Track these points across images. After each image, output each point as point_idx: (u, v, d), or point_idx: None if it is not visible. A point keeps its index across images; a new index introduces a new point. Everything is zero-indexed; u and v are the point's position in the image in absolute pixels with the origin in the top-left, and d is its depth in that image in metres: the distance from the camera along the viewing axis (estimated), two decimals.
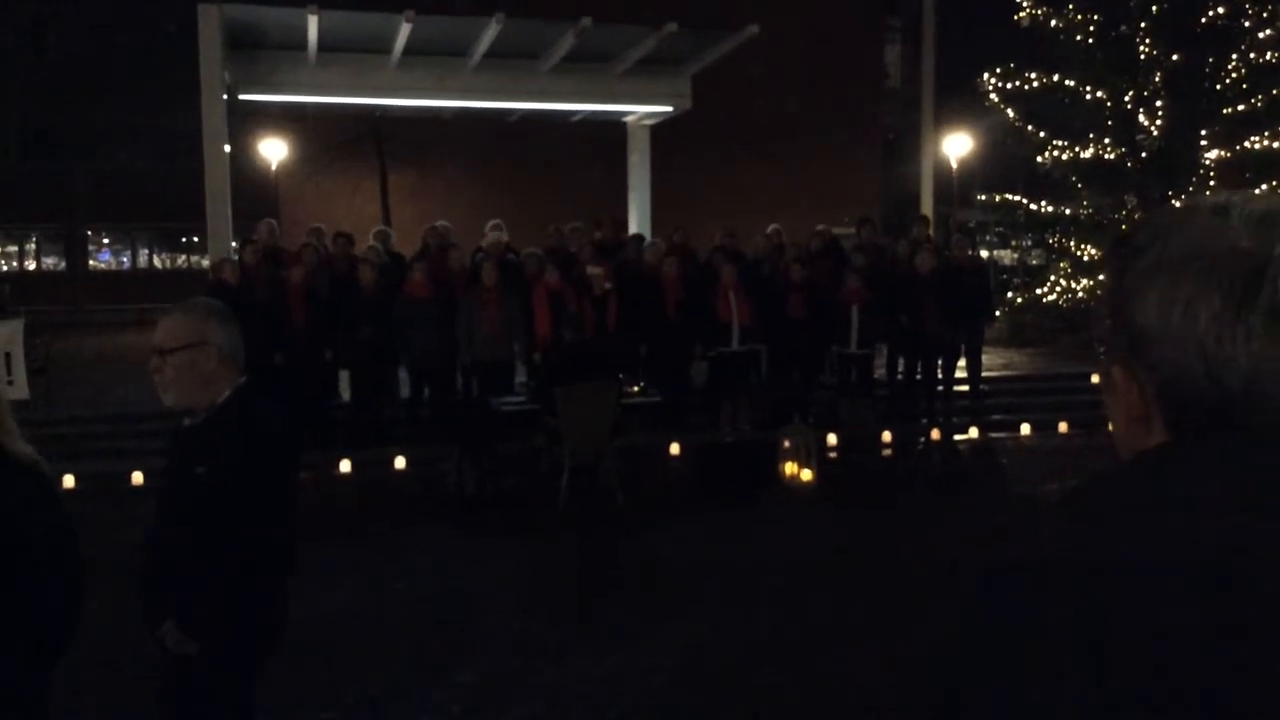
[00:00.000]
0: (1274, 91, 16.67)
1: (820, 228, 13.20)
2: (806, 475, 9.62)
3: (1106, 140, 17.59)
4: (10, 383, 11.19)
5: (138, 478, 9.63)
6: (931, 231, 14.32)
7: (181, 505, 2.94)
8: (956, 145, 22.41)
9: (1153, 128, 17.33)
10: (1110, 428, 1.06)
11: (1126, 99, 17.37)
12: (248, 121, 23.26)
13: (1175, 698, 0.84)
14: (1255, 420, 0.93)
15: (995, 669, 0.92)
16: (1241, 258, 0.93)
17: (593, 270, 11.11)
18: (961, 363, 11.85)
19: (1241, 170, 17.01)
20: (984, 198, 19.97)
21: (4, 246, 33.64)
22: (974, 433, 11.65)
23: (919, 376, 11.73)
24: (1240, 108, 16.94)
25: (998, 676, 0.91)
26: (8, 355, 11.31)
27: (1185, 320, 0.94)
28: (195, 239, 31.79)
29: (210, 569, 2.79)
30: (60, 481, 8.87)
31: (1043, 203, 18.72)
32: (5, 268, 32.57)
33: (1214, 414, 0.95)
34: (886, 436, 11.45)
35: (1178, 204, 1.20)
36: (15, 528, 2.38)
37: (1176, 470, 0.95)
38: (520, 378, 11.27)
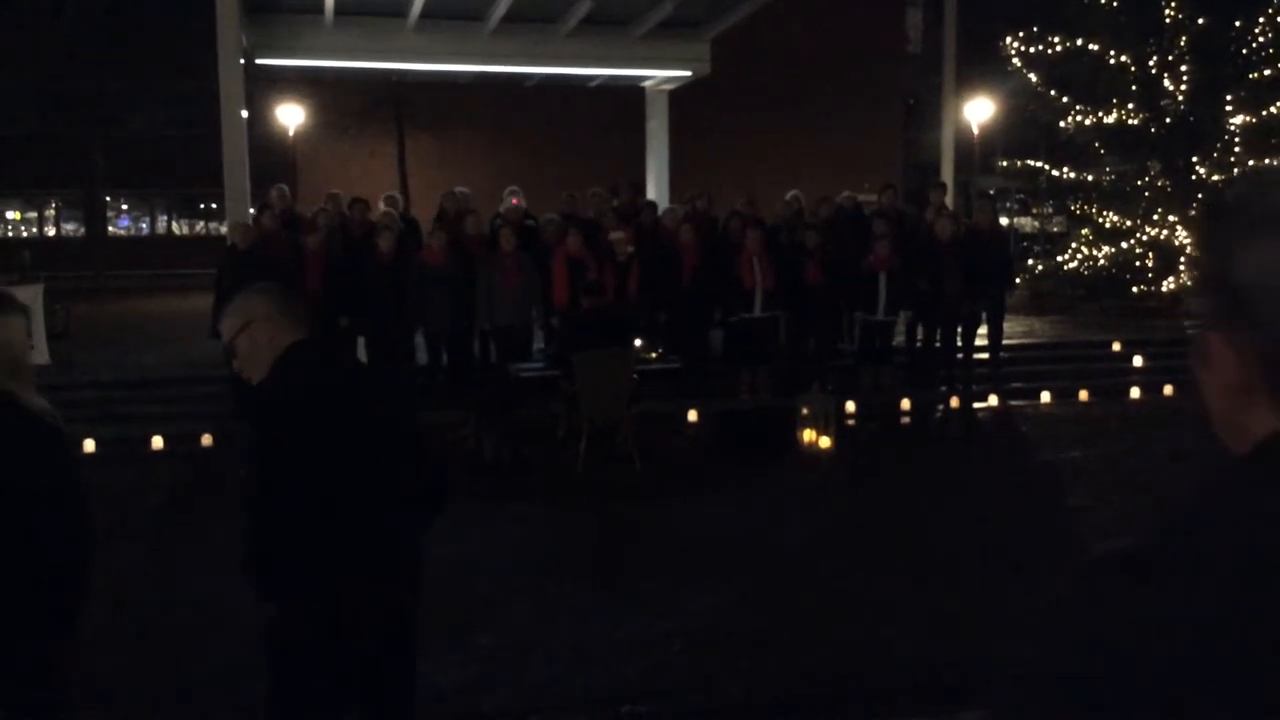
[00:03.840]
0: None
1: (845, 194, 13.10)
2: (825, 442, 9.59)
3: (1130, 105, 17.37)
4: (31, 347, 11.23)
5: (157, 442, 9.68)
6: (949, 197, 14.20)
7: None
8: (978, 110, 22.17)
9: (1177, 93, 17.09)
10: (1209, 405, 1.01)
11: (1151, 63, 17.13)
12: (265, 87, 23.23)
13: None
14: None
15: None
16: None
17: (615, 235, 11.05)
18: (982, 330, 11.79)
19: (1268, 136, 16.80)
20: (1005, 164, 19.79)
21: (24, 213, 33.73)
22: (994, 400, 11.59)
23: (939, 344, 11.67)
24: (1266, 72, 16.70)
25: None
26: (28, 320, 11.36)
27: None
28: (214, 205, 31.80)
29: (249, 532, 2.84)
30: (80, 444, 8.92)
31: (1064, 169, 18.54)
32: (25, 234, 32.68)
33: None
34: (906, 404, 11.41)
35: (1275, 163, 1.16)
36: (25, 476, 2.38)
37: None
38: (538, 344, 11.26)
